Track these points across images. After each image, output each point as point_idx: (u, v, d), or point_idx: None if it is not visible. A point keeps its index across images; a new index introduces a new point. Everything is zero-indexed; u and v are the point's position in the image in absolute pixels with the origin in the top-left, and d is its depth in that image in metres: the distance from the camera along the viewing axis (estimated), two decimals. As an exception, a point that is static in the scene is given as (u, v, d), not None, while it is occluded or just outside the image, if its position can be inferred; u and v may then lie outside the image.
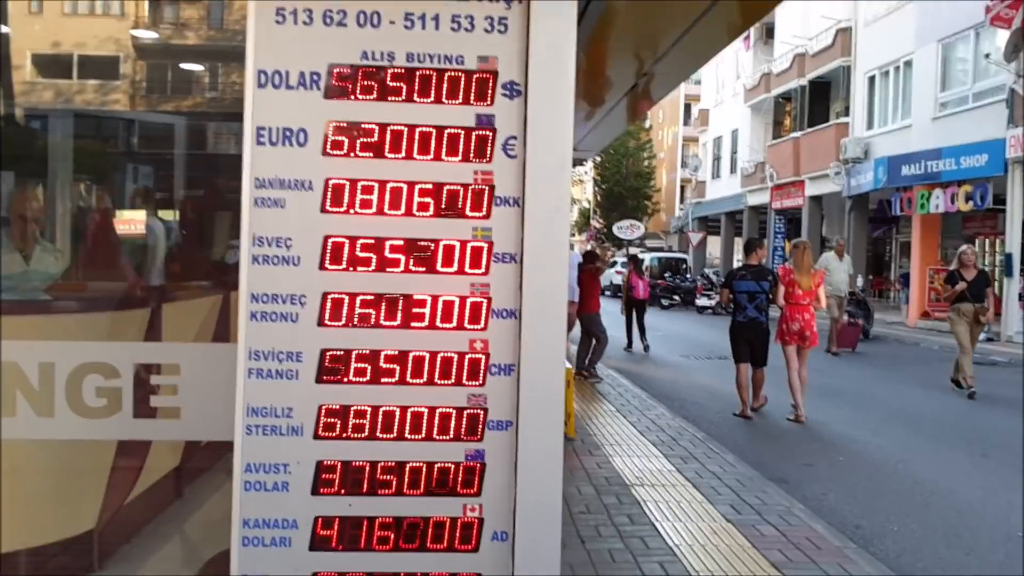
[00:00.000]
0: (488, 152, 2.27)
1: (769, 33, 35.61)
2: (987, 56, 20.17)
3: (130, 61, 5.63)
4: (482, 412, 2.26)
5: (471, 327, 2.26)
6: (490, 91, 2.27)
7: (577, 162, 11.08)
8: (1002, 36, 19.44)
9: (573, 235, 56.10)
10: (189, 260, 4.82)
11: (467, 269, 2.27)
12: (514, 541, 2.21)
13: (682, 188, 53.18)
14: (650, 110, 53.27)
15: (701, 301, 28.24)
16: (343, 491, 2.25)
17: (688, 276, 33.64)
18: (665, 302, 30.53)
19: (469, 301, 2.27)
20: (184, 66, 5.81)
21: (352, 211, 2.26)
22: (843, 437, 8.78)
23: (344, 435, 2.25)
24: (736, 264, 26.52)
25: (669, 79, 6.17)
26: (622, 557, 4.93)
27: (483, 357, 2.26)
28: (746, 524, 5.50)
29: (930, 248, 23.91)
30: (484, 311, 2.26)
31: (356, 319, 2.25)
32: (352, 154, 2.27)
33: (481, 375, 2.26)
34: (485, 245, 2.27)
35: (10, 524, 2.90)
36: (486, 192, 2.27)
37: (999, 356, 15.70)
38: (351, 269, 2.26)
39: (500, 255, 2.27)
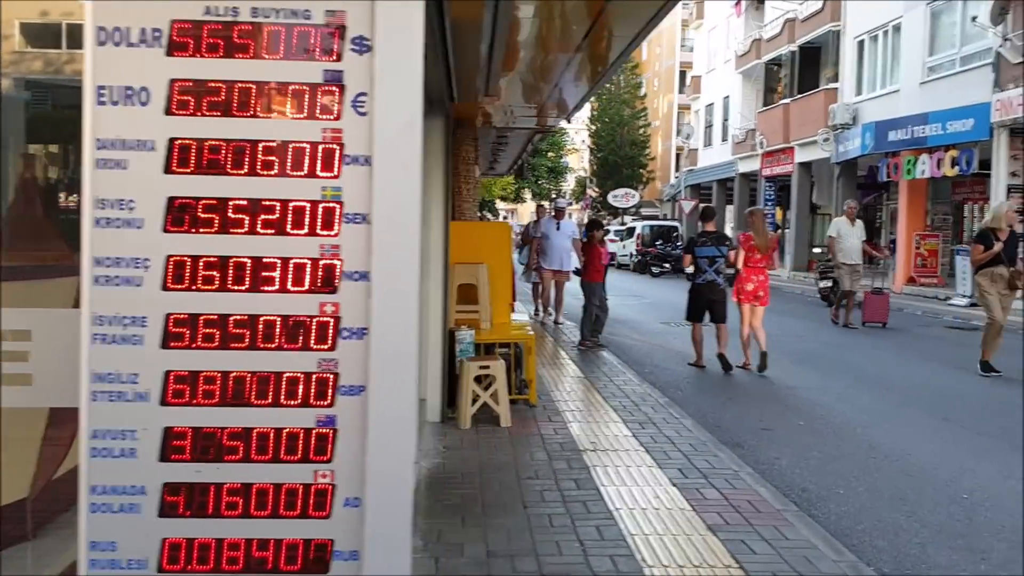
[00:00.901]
0: (337, 109, 2.21)
1: (760, -2, 35.26)
2: (974, 19, 19.94)
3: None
4: (333, 377, 2.21)
5: (321, 290, 2.21)
6: (338, 46, 2.21)
7: (544, 130, 11.00)
8: (989, -2, 19.25)
9: (570, 204, 55.92)
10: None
11: (317, 230, 2.21)
12: (365, 507, 2.18)
13: (677, 156, 52.93)
14: (642, 76, 52.77)
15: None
16: (191, 457, 2.21)
17: (679, 244, 33.51)
18: (656, 270, 30.54)
19: (320, 263, 2.22)
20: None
21: (196, 172, 2.20)
22: (807, 402, 8.78)
23: (192, 401, 2.21)
24: (728, 231, 26.40)
25: (617, 41, 6.08)
26: (560, 522, 4.94)
27: (333, 320, 2.22)
28: (690, 488, 5.51)
29: (917, 214, 23.83)
30: (335, 273, 2.21)
31: (201, 282, 2.20)
32: (196, 113, 2.20)
33: (331, 339, 2.21)
34: (335, 205, 2.22)
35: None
36: (336, 151, 2.21)
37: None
38: (195, 231, 2.20)
39: (351, 215, 2.21)
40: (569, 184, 60.83)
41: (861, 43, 26.31)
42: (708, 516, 5.00)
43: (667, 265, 30.46)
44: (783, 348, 11.87)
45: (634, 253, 33.01)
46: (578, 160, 63.46)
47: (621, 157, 50.61)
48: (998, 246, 9.77)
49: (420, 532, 4.67)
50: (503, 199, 45.74)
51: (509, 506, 5.22)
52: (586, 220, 31.82)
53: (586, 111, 52.94)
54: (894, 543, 4.98)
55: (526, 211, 65.54)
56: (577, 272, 12.91)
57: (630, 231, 35.54)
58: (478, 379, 7.11)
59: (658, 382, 9.46)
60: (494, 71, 6.48)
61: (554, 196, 46.16)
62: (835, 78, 27.99)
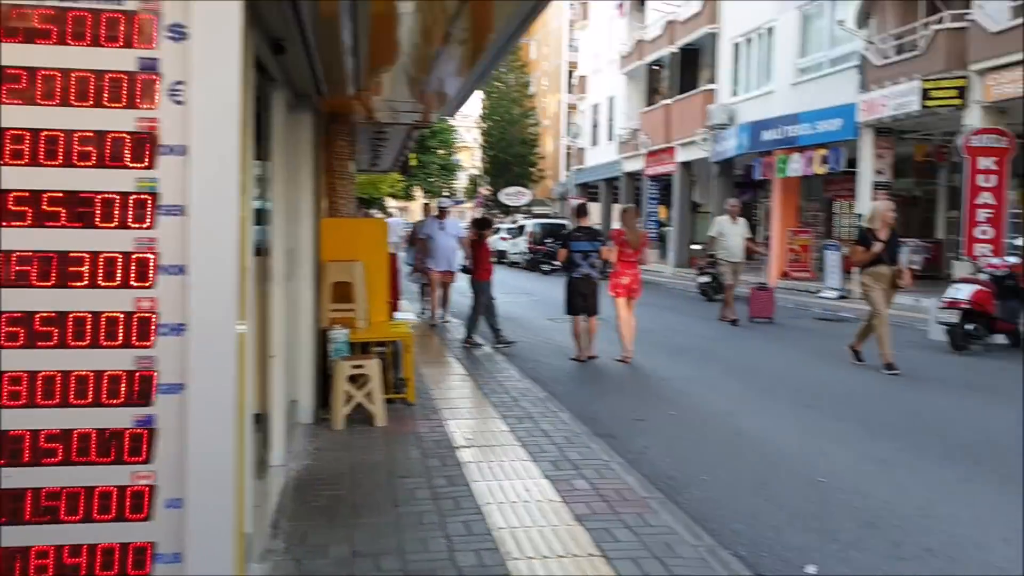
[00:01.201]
0: (152, 98, 2.14)
1: (642, -1, 36.03)
2: (840, 23, 20.88)
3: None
4: (151, 375, 2.14)
5: (136, 285, 2.14)
6: (154, 34, 2.13)
7: (424, 125, 10.92)
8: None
9: (462, 202, 55.87)
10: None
11: (130, 223, 2.14)
12: (187, 508, 2.12)
13: (568, 155, 53.60)
14: (532, 75, 53.15)
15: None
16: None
17: (567, 241, 33.83)
18: (545, 267, 30.77)
19: (134, 257, 2.14)
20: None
21: (1, 163, 2.09)
22: (679, 393, 9.01)
23: (-3, 403, 2.10)
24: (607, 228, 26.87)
25: (491, 37, 6.06)
26: (429, 519, 4.91)
27: (151, 317, 2.14)
28: (561, 479, 5.57)
29: (789, 211, 24.79)
30: (150, 268, 2.14)
31: (10, 279, 2.09)
32: (-2, 101, 2.10)
33: (149, 336, 2.14)
34: (149, 197, 2.14)
35: None
36: (150, 141, 2.14)
37: (848, 313, 16.35)
38: (2, 225, 2.09)
39: (167, 207, 2.14)
40: (461, 182, 60.84)
41: (736, 45, 27.19)
42: (576, 507, 5.06)
43: (557, 263, 30.75)
44: (660, 341, 12.18)
45: (526, 251, 33.23)
46: (470, 158, 63.54)
47: (511, 155, 50.90)
48: (878, 246, 9.86)
49: (283, 535, 4.58)
50: (393, 196, 45.36)
51: (379, 505, 5.16)
52: (475, 218, 31.79)
53: (477, 109, 53.08)
54: (752, 526, 5.15)
55: (419, 209, 65.18)
56: (465, 270, 12.91)
57: (521, 229, 35.76)
58: (352, 379, 7.01)
59: (539, 377, 9.53)
60: (361, 65, 6.39)
61: (446, 194, 46.05)
62: (713, 79, 28.85)
